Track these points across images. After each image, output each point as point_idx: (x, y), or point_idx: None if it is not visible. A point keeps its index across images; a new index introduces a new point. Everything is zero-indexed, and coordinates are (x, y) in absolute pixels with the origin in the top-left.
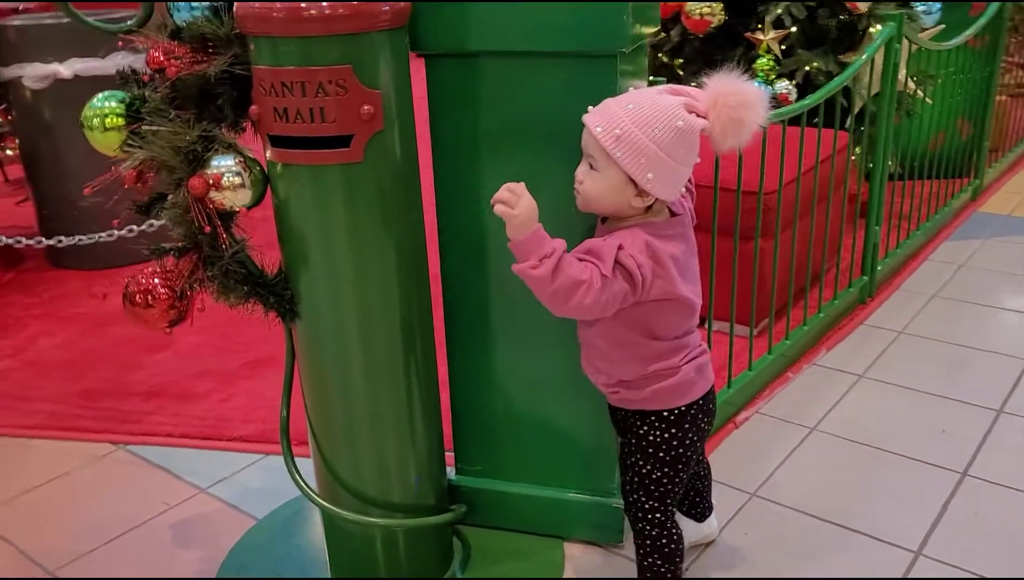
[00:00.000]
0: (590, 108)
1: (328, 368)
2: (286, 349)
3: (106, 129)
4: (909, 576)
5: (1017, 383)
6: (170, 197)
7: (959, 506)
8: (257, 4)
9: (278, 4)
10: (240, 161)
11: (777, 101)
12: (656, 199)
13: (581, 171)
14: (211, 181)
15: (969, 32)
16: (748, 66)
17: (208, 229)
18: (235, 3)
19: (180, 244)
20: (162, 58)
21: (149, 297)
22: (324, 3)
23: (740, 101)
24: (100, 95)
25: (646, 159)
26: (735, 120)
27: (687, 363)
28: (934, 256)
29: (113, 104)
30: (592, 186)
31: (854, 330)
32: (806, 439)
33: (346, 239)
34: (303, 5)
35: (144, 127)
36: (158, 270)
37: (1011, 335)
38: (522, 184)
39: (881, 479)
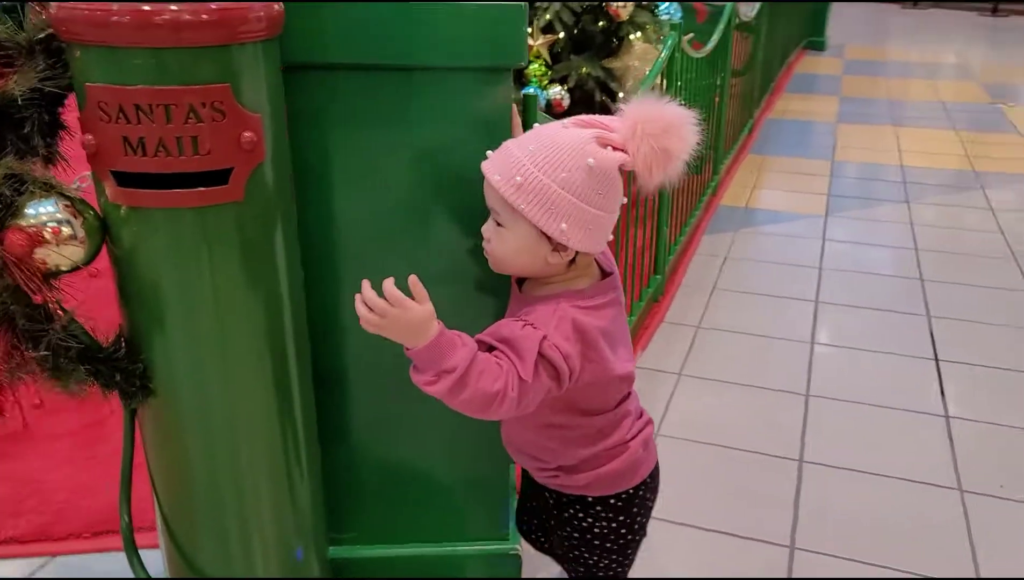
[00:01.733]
0: (489, 153)
1: (190, 455)
2: (124, 435)
3: None
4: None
5: (811, 366)
6: None
7: (808, 494)
8: (87, 3)
9: (120, 4)
10: (67, 206)
11: (551, 107)
12: (576, 253)
13: (487, 228)
14: (33, 235)
15: (715, 38)
16: (520, 71)
17: (39, 299)
18: (47, 2)
19: None
20: None
21: None
22: (189, 3)
23: (664, 127)
24: None
25: (556, 208)
26: (660, 150)
27: (634, 438)
28: (700, 250)
29: None
30: (500, 246)
31: (658, 328)
32: None
33: (214, 297)
34: (159, 6)
35: None
36: None
37: (788, 319)
38: (393, 295)
39: (733, 476)
